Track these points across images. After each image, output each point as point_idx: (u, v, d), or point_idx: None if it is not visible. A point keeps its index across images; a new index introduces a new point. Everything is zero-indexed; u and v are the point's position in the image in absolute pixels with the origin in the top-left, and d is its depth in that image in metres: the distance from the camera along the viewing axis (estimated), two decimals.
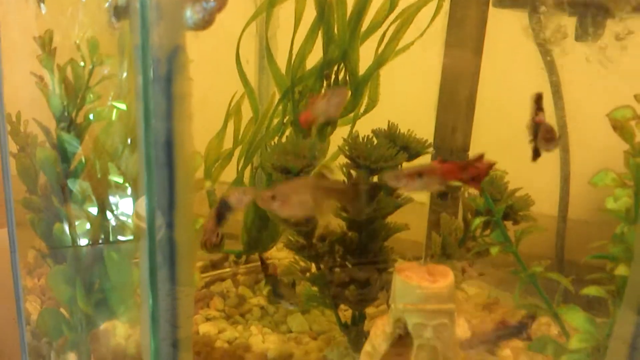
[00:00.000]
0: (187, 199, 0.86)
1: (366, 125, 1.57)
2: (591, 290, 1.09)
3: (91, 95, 1.18)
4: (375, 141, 1.45)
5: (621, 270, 1.03)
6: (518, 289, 1.22)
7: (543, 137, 1.04)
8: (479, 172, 1.03)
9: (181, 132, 0.84)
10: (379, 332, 1.18)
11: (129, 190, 1.19)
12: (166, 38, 0.81)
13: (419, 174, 1.03)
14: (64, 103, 1.19)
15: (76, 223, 1.22)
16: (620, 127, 1.03)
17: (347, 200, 1.26)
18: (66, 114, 1.19)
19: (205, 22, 0.91)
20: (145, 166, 0.85)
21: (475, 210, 1.34)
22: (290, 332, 1.68)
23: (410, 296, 1.10)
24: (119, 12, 1.02)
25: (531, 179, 1.41)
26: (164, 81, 0.82)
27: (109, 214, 1.24)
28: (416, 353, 1.11)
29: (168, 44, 0.81)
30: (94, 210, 1.23)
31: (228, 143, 1.80)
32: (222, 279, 1.93)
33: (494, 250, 1.22)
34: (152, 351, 0.93)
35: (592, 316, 1.16)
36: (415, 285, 1.10)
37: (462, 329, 1.14)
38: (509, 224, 1.37)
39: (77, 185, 1.23)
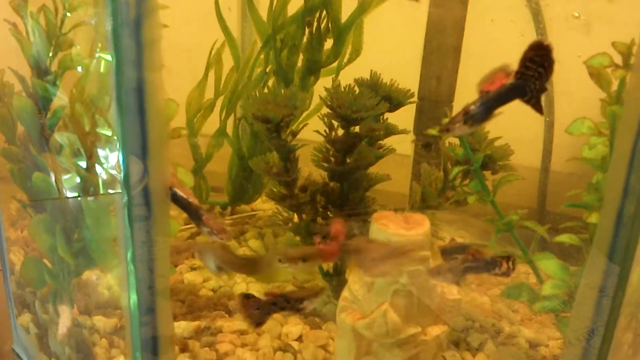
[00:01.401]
0: (160, 146, 0.86)
1: (351, 75, 1.55)
2: (564, 238, 1.11)
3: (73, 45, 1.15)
4: (358, 91, 1.44)
5: (594, 218, 1.04)
6: (494, 236, 1.23)
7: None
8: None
9: (152, 79, 0.82)
10: (357, 279, 1.20)
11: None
12: None
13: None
14: (38, 50, 1.17)
15: (65, 177, 1.21)
16: (597, 75, 1.03)
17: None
18: (41, 62, 1.16)
19: None
20: (117, 113, 0.84)
21: (455, 160, 1.35)
22: (275, 281, 1.70)
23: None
24: None
25: (515, 130, 1.42)
26: (133, 25, 0.80)
27: (96, 167, 1.23)
28: (392, 298, 1.14)
29: None
30: (81, 163, 1.22)
31: (210, 93, 1.79)
32: None
33: (471, 199, 1.23)
34: (131, 299, 0.94)
35: (565, 264, 1.18)
36: (391, 232, 1.12)
37: None
38: (488, 173, 1.38)
39: (64, 138, 1.21)
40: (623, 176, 0.85)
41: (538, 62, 0.82)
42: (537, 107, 0.85)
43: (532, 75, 0.82)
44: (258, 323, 1.04)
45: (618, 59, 1.05)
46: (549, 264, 1.16)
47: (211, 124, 1.85)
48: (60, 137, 1.21)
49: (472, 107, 0.89)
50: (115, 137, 0.86)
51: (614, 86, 1.05)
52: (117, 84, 0.81)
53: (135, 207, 0.88)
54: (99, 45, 1.14)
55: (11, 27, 1.23)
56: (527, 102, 0.85)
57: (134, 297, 0.95)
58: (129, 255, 0.91)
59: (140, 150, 0.85)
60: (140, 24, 0.80)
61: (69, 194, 1.23)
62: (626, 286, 0.91)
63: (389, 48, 2.02)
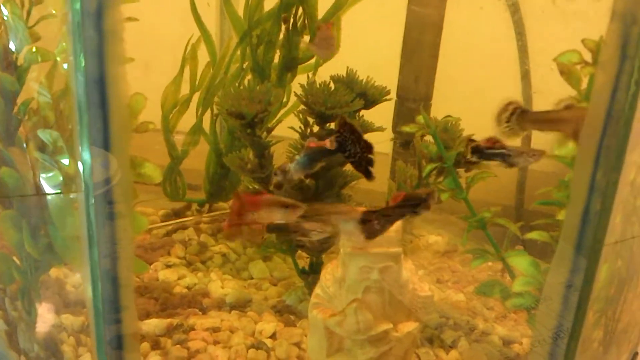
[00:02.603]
0: (123, 141, 0.84)
1: (329, 72, 1.54)
2: (535, 235, 1.11)
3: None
4: (333, 87, 1.43)
5: (562, 215, 1.05)
6: (466, 233, 1.23)
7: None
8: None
9: (114, 70, 0.81)
10: (329, 276, 1.19)
11: None
12: None
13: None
14: (4, 44, 1.15)
15: (48, 175, 1.19)
16: (567, 72, 1.03)
17: None
18: (7, 55, 1.14)
19: None
20: (78, 106, 0.82)
21: (429, 158, 1.35)
22: (251, 278, 1.69)
23: (357, 239, 1.11)
24: None
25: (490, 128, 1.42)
26: (94, 16, 0.78)
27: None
28: (363, 295, 1.13)
29: None
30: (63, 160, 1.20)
31: (186, 89, 1.77)
32: (185, 228, 1.92)
33: (445, 196, 1.23)
34: (95, 296, 0.93)
35: (536, 260, 1.18)
36: None
37: (409, 272, 1.16)
38: (462, 171, 1.38)
39: (47, 135, 1.19)
40: (589, 173, 0.85)
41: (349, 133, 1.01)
42: (367, 175, 1.05)
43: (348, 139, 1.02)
44: (373, 235, 1.00)
45: (588, 56, 1.06)
46: (520, 261, 1.16)
47: (189, 121, 1.83)
48: (43, 134, 1.20)
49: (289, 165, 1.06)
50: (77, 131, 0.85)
51: (584, 83, 1.05)
52: (77, 76, 0.80)
53: (98, 202, 0.87)
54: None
55: None
56: (356, 167, 1.04)
57: (98, 294, 0.93)
58: (93, 251, 0.90)
59: (102, 144, 0.84)
60: (102, 15, 0.78)
61: (39, 190, 1.21)
62: (594, 280, 0.92)
63: (368, 46, 2.02)
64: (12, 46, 1.22)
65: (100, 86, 0.81)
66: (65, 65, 1.13)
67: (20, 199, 1.19)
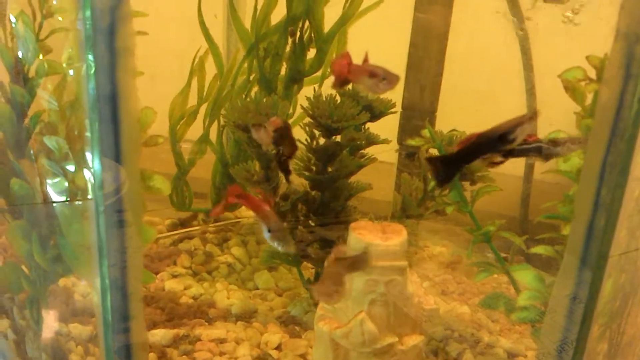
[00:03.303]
0: (133, 154, 0.86)
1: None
2: (540, 249, 1.12)
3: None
4: (339, 100, 1.45)
5: (567, 229, 1.05)
6: (471, 246, 1.24)
7: None
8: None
9: (125, 86, 0.82)
10: None
11: None
12: None
13: None
14: (16, 57, 1.17)
15: (55, 181, 1.20)
16: (571, 88, 1.04)
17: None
18: (18, 67, 1.16)
19: None
20: (91, 121, 0.84)
21: None
22: (257, 288, 1.70)
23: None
24: None
25: None
26: (107, 33, 0.80)
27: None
28: (369, 308, 1.14)
29: None
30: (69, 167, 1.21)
31: (194, 100, 1.79)
32: (191, 237, 1.94)
33: (449, 209, 1.24)
34: (104, 305, 0.94)
35: (541, 274, 1.19)
36: (368, 242, 1.12)
37: (415, 285, 1.17)
38: (467, 184, 1.39)
39: (53, 142, 1.21)
40: (594, 189, 0.86)
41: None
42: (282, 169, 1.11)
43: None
44: (445, 181, 0.99)
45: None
46: (524, 275, 1.16)
47: (196, 131, 1.85)
48: (49, 141, 1.21)
49: None
50: (89, 144, 0.86)
51: (589, 99, 1.06)
52: (91, 92, 0.81)
53: (108, 213, 0.88)
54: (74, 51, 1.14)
55: None
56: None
57: (107, 304, 0.94)
58: (102, 260, 0.91)
59: (114, 158, 0.85)
60: (114, 32, 0.80)
61: (47, 200, 1.22)
62: (598, 295, 0.92)
63: (373, 58, 2.04)
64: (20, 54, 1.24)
65: (111, 102, 0.83)
66: (71, 72, 1.15)
67: (30, 210, 1.20)
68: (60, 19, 1.21)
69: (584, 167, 0.88)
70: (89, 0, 0.77)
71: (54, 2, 1.21)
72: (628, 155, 0.85)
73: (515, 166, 1.99)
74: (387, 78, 1.02)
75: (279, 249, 1.07)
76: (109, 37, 0.79)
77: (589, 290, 0.88)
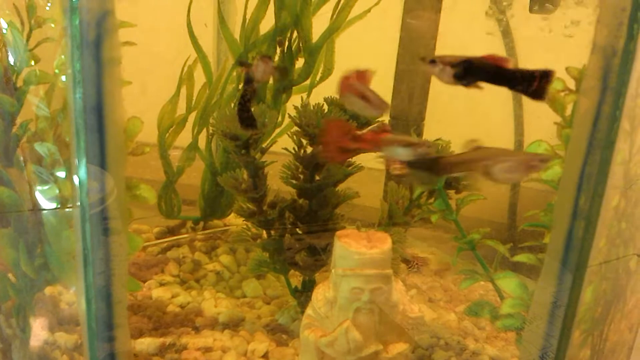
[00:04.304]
0: (119, 164, 0.86)
1: (325, 94, 1.57)
2: (523, 258, 1.13)
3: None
4: (326, 109, 1.46)
5: (549, 239, 1.07)
6: (456, 254, 1.25)
7: None
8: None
9: (111, 97, 0.83)
10: (320, 297, 1.21)
11: None
12: (95, 2, 0.80)
13: None
14: (5, 65, 1.17)
15: (44, 187, 1.21)
16: (551, 99, 1.06)
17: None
18: (7, 75, 1.17)
19: None
20: (75, 131, 0.85)
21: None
22: (245, 296, 1.70)
23: (348, 261, 1.13)
24: None
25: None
26: (93, 45, 0.81)
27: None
28: (354, 316, 1.15)
29: (97, 8, 0.80)
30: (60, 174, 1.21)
31: (183, 109, 1.80)
32: (179, 245, 1.94)
33: (434, 217, 1.25)
34: (88, 313, 0.94)
35: (525, 282, 1.20)
36: (353, 250, 1.13)
37: (399, 293, 1.18)
38: (453, 192, 1.41)
39: (44, 148, 1.21)
40: (572, 199, 0.88)
41: None
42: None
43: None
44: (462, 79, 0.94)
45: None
46: (507, 283, 1.18)
47: (186, 138, 1.86)
48: (40, 147, 1.21)
49: None
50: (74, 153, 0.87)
51: (569, 110, 1.08)
52: (75, 103, 0.82)
53: (94, 220, 0.89)
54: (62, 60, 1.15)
55: None
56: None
57: (92, 312, 0.95)
58: (88, 268, 0.92)
59: (99, 166, 0.86)
60: (100, 44, 0.81)
61: (33, 206, 1.22)
62: (577, 304, 0.94)
63: (361, 64, 2.05)
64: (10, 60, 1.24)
65: (97, 112, 0.84)
66: (63, 78, 1.15)
67: (18, 219, 1.21)
68: (52, 25, 1.21)
69: (562, 177, 0.90)
70: (76, 14, 0.78)
71: (47, 8, 1.22)
72: (605, 166, 0.87)
73: None
74: (376, 104, 1.03)
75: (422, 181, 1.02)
76: (95, 49, 0.81)
77: (567, 301, 0.89)
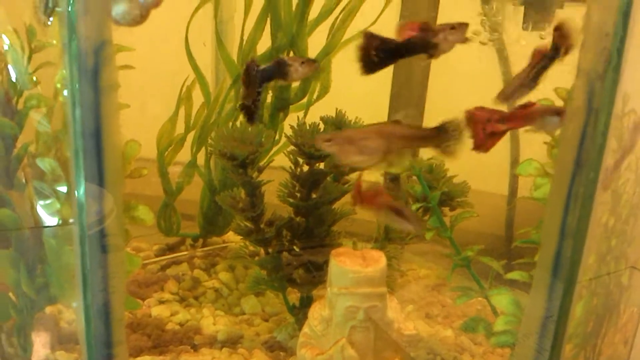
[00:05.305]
0: (116, 187, 0.89)
1: (322, 111, 1.59)
2: (515, 275, 1.15)
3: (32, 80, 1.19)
4: (322, 129, 1.49)
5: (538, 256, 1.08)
6: (451, 271, 1.27)
7: None
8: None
9: (109, 122, 0.86)
10: (316, 315, 1.23)
11: None
12: (93, 31, 0.83)
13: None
14: (5, 89, 1.20)
15: (46, 202, 1.22)
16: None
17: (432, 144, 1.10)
18: (8, 98, 1.20)
19: (141, 18, 0.93)
20: (74, 156, 0.87)
21: (415, 197, 1.39)
22: (243, 314, 1.71)
23: (343, 280, 1.15)
24: (48, 8, 1.03)
25: (483, 160, 1.47)
26: (91, 73, 0.84)
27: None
28: (350, 334, 1.16)
29: (95, 37, 0.83)
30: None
31: (182, 128, 1.82)
32: (179, 262, 1.95)
33: (428, 234, 1.27)
34: (86, 332, 0.96)
35: (518, 299, 1.22)
36: (348, 269, 1.15)
37: (394, 311, 1.19)
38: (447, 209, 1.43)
39: (46, 164, 1.23)
40: (559, 218, 0.90)
41: None
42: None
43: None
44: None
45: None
46: (501, 300, 1.19)
47: (187, 153, 1.88)
48: (42, 163, 1.23)
49: None
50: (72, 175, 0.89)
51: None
52: (74, 129, 0.84)
53: (93, 238, 0.91)
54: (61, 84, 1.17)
55: None
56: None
57: (90, 330, 0.96)
58: (87, 285, 0.93)
59: (97, 191, 0.88)
60: (98, 72, 0.83)
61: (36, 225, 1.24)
62: (567, 323, 0.95)
63: (358, 84, 2.08)
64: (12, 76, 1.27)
65: (96, 138, 0.86)
66: (65, 92, 1.18)
67: (18, 240, 1.23)
68: (54, 42, 1.24)
69: (550, 196, 0.92)
70: (75, 42, 0.81)
71: (50, 27, 1.24)
72: (592, 186, 0.89)
73: (500, 185, 2.03)
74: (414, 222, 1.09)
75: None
76: (93, 76, 0.83)
77: (558, 313, 0.91)
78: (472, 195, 1.52)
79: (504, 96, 1.03)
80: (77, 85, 0.84)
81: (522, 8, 1.74)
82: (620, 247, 1.16)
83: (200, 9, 1.65)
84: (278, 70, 1.14)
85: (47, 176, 1.24)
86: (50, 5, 1.04)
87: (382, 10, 1.73)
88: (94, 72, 0.83)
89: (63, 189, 1.22)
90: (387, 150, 1.04)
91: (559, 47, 0.97)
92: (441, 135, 1.05)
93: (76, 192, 0.89)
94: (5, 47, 1.24)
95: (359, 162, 1.08)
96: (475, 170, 1.48)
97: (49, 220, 1.23)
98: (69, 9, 0.82)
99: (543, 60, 1.00)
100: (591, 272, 1.04)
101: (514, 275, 1.16)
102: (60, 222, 1.19)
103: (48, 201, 1.24)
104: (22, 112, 1.22)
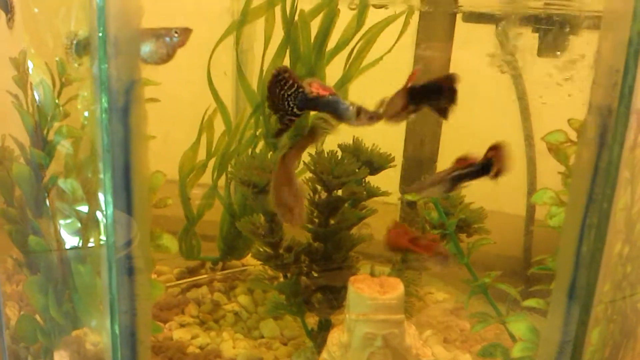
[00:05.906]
0: (144, 218, 0.92)
1: (341, 139, 1.63)
2: (532, 302, 1.16)
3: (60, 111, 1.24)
4: (340, 156, 1.52)
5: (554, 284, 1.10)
6: (468, 297, 1.28)
7: None
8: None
9: (138, 158, 0.90)
10: (335, 341, 1.25)
11: None
12: (124, 72, 0.87)
13: None
14: (36, 120, 1.26)
15: (67, 221, 1.26)
16: (555, 150, 1.10)
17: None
18: (38, 131, 1.25)
19: (167, 57, 0.98)
20: (104, 189, 0.91)
21: (431, 224, 1.41)
22: (262, 337, 1.74)
23: (361, 307, 1.17)
24: (80, 48, 1.08)
25: (501, 181, 1.48)
26: (121, 112, 0.88)
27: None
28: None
29: (126, 77, 0.87)
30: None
31: (203, 155, 1.87)
32: (199, 285, 1.99)
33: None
34: (112, 352, 0.99)
35: (536, 323, 1.23)
36: (366, 296, 1.17)
37: (412, 337, 1.21)
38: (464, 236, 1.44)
39: (68, 185, 1.28)
40: (574, 249, 0.92)
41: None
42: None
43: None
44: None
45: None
46: (519, 326, 1.20)
47: (206, 177, 1.92)
48: (63, 184, 1.28)
49: None
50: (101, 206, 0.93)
51: (572, 160, 1.12)
52: (104, 164, 0.89)
53: (120, 260, 0.94)
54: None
55: (13, 100, 1.32)
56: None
57: (117, 352, 0.99)
58: (113, 308, 0.96)
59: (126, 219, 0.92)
60: (128, 111, 0.88)
61: (63, 255, 1.29)
62: (583, 347, 0.96)
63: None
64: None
65: (125, 172, 0.90)
66: (86, 114, 1.23)
67: (46, 266, 1.27)
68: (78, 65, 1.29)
69: (564, 226, 0.93)
70: (105, 83, 0.86)
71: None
72: (605, 218, 0.90)
73: (519, 207, 2.03)
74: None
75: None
76: (123, 115, 0.87)
77: (572, 348, 0.92)
78: (491, 216, 1.54)
79: (413, 190, 1.05)
80: (107, 123, 0.88)
81: (536, 35, 1.77)
82: (636, 273, 1.17)
83: (223, 40, 1.70)
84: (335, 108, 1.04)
85: (68, 196, 1.28)
86: (80, 47, 1.09)
87: (398, 39, 1.77)
88: (124, 110, 0.87)
89: (85, 210, 1.26)
90: None
91: (488, 166, 1.00)
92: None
93: (104, 219, 0.93)
94: (37, 80, 1.30)
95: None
96: (494, 191, 1.50)
97: (70, 232, 1.27)
98: (101, 50, 0.86)
99: (466, 171, 1.02)
100: (607, 299, 1.06)
101: (531, 302, 1.18)
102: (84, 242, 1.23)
103: (70, 223, 1.28)
104: (52, 143, 1.27)
